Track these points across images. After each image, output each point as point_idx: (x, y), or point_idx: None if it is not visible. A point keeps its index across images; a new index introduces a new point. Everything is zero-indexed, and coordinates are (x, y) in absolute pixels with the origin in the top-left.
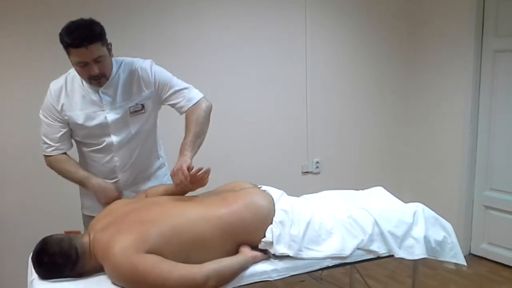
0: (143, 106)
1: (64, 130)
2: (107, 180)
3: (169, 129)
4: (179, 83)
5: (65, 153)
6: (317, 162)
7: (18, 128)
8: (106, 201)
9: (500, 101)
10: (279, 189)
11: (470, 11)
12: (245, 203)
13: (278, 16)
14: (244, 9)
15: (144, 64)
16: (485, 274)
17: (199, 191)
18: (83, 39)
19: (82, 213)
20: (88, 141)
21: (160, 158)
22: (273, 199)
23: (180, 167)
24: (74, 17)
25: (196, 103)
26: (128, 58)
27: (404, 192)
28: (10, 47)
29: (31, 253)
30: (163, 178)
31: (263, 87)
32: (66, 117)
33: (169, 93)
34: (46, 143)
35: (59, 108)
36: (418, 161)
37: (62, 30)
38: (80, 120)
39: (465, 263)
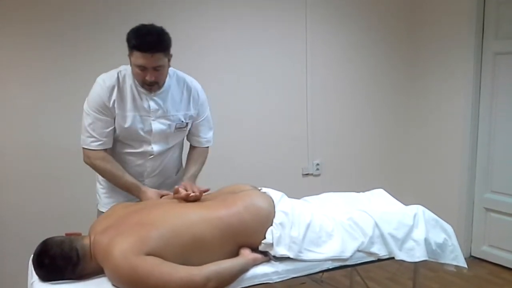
0: (187, 124)
1: (112, 127)
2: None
3: None
4: (210, 122)
5: (105, 150)
6: (318, 164)
7: (19, 129)
8: None
9: (501, 103)
10: (279, 191)
11: (471, 13)
12: (245, 205)
13: (278, 16)
14: (244, 10)
15: (197, 86)
16: (486, 276)
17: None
18: (152, 46)
19: (98, 210)
20: (127, 142)
21: (183, 166)
22: (273, 201)
23: (191, 187)
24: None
25: (208, 147)
26: (180, 71)
27: (404, 194)
28: (10, 47)
29: (32, 255)
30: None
31: (263, 89)
32: (115, 115)
33: (199, 122)
34: (92, 136)
35: (110, 104)
36: (418, 163)
37: (132, 30)
38: (127, 122)
39: (465, 266)
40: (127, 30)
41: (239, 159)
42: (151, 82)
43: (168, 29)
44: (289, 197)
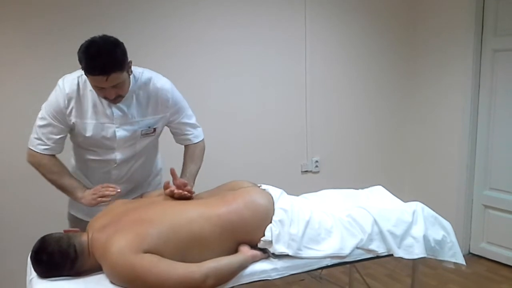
0: (154, 129)
1: (64, 134)
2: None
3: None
4: (191, 116)
5: (54, 156)
6: (317, 161)
7: (18, 127)
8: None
9: (500, 101)
10: (278, 188)
11: (470, 10)
12: (244, 201)
13: (277, 14)
14: (243, 8)
15: (165, 86)
16: (484, 274)
17: (198, 190)
18: (103, 69)
19: (68, 212)
20: (90, 149)
21: (158, 168)
22: (272, 198)
23: (184, 185)
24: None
25: (200, 141)
26: (146, 70)
27: (403, 191)
28: (9, 46)
29: (30, 252)
30: (158, 186)
31: (262, 86)
32: (71, 123)
33: (180, 121)
34: (40, 139)
35: (67, 112)
36: (417, 161)
37: (82, 50)
38: (88, 131)
39: (464, 263)
40: (127, 28)
41: (238, 156)
42: (113, 98)
43: (165, 26)
44: (288, 194)
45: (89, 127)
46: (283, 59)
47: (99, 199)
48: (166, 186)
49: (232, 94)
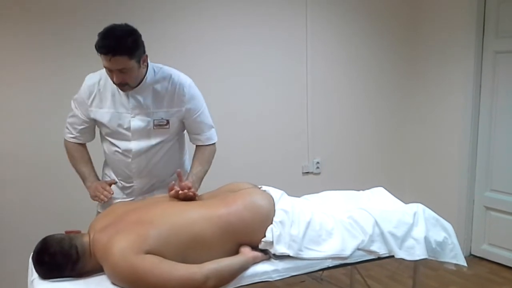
0: (168, 121)
1: (86, 125)
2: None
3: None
4: (207, 117)
5: (83, 144)
6: (318, 163)
7: (19, 128)
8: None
9: (501, 102)
10: (279, 189)
11: (471, 12)
12: (245, 203)
13: (279, 14)
14: (244, 8)
15: (184, 81)
16: (486, 275)
17: (199, 191)
18: (109, 49)
19: (97, 211)
20: (112, 141)
21: (185, 168)
22: (273, 199)
23: (189, 188)
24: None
25: (211, 144)
26: (167, 67)
27: (404, 192)
28: (10, 47)
29: (32, 253)
30: None
31: (263, 87)
32: (91, 114)
33: (194, 119)
34: (68, 129)
35: (88, 102)
36: (418, 162)
37: (102, 31)
38: (105, 119)
39: (465, 264)
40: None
41: (239, 158)
42: (119, 83)
43: (167, 27)
44: (289, 195)
45: (107, 116)
46: (284, 60)
47: (95, 198)
48: (171, 188)
49: (233, 94)
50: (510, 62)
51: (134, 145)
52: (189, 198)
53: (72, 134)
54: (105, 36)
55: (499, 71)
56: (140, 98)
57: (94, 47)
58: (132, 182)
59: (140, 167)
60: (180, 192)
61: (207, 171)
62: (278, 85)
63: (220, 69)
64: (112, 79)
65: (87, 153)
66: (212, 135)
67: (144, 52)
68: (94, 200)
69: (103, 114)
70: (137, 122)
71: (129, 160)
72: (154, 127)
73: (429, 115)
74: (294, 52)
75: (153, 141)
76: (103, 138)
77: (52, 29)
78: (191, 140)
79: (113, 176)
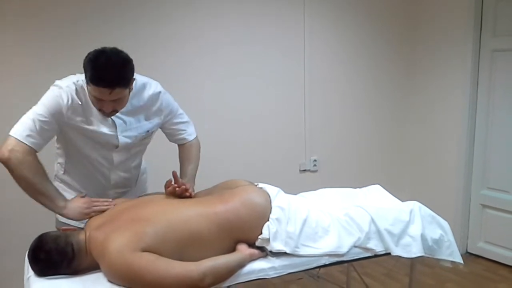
0: (152, 132)
1: (55, 134)
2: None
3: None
4: (182, 115)
5: (36, 150)
6: (315, 160)
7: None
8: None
9: (498, 101)
10: (276, 187)
11: (469, 11)
12: (241, 200)
13: (276, 14)
14: (242, 7)
15: (156, 90)
16: (482, 273)
17: (196, 189)
18: (111, 84)
19: (56, 219)
20: (88, 153)
21: (143, 167)
22: (269, 197)
23: (186, 189)
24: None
25: (194, 138)
26: (139, 78)
27: (401, 190)
28: (8, 44)
29: (28, 250)
30: (144, 184)
31: (261, 85)
32: (68, 125)
33: (172, 122)
34: (31, 131)
35: (67, 115)
36: (415, 160)
37: (90, 59)
38: (90, 137)
39: (462, 262)
40: (124, 26)
41: (236, 155)
42: (109, 112)
43: (164, 26)
44: (286, 193)
45: (91, 134)
46: (282, 58)
47: (93, 214)
48: (168, 185)
49: (231, 94)
50: (507, 60)
51: (116, 157)
52: (186, 195)
53: (36, 139)
54: (103, 67)
55: (496, 69)
56: (122, 116)
57: (83, 69)
58: (107, 192)
59: (117, 177)
60: (177, 188)
61: (197, 166)
62: (276, 83)
63: (217, 68)
64: (99, 107)
65: (39, 165)
66: (192, 130)
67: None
68: (87, 216)
69: (87, 131)
70: (123, 139)
71: (105, 169)
72: (139, 142)
73: (426, 113)
74: (292, 51)
75: (133, 151)
76: (71, 151)
77: (46, 26)
78: (173, 141)
79: (77, 188)
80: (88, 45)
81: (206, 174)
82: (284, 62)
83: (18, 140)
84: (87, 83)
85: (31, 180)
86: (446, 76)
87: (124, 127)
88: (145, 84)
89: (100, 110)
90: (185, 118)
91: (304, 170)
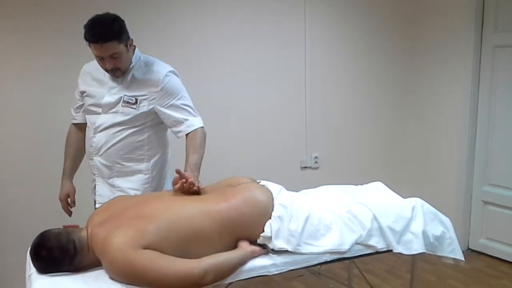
0: (136, 100)
1: (80, 103)
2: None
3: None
4: (189, 103)
5: (82, 125)
6: (316, 157)
7: (18, 124)
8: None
9: (499, 97)
10: (278, 184)
11: (470, 6)
12: (244, 197)
13: (277, 11)
14: (242, 4)
15: (161, 69)
16: (483, 269)
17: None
18: (100, 36)
19: (94, 207)
20: (86, 116)
21: (146, 164)
22: (271, 194)
23: (192, 182)
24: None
25: (197, 129)
26: (153, 58)
27: (403, 187)
28: (8, 42)
29: (29, 247)
30: (139, 182)
31: (262, 82)
32: (80, 87)
33: (174, 105)
34: (71, 113)
35: (80, 86)
36: (417, 156)
37: (86, 23)
38: (87, 92)
39: (463, 258)
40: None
41: (238, 152)
42: (111, 69)
43: (165, 24)
44: (287, 190)
45: (90, 91)
46: (283, 55)
47: (63, 208)
48: (175, 182)
49: (232, 90)
50: (508, 56)
51: (100, 119)
52: (194, 192)
53: (72, 115)
54: (92, 25)
55: (498, 65)
56: (120, 79)
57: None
58: (92, 159)
59: (99, 143)
60: (185, 184)
61: (203, 155)
62: (276, 80)
63: (218, 65)
64: (103, 66)
65: (76, 143)
66: (195, 121)
67: (129, 36)
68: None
69: (88, 90)
70: (108, 98)
71: (92, 134)
72: (123, 104)
73: (428, 109)
74: (293, 48)
75: (118, 118)
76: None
77: (50, 24)
78: (177, 134)
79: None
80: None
81: (207, 171)
82: (285, 59)
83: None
84: (87, 43)
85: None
86: (448, 72)
87: (116, 90)
88: (156, 63)
89: (105, 70)
90: (191, 108)
91: (305, 167)
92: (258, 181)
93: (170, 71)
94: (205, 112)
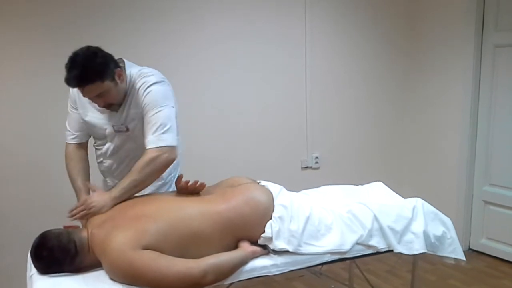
0: (127, 128)
1: (82, 121)
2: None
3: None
4: (166, 118)
5: (83, 144)
6: (317, 157)
7: (17, 124)
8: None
9: (500, 96)
10: (278, 184)
11: (471, 5)
12: (244, 198)
13: (277, 10)
14: (243, 3)
15: (147, 83)
16: (484, 269)
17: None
18: (78, 81)
19: None
20: (94, 137)
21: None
22: (272, 194)
23: (84, 204)
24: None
25: (148, 149)
26: (135, 70)
27: (403, 187)
28: (7, 43)
29: (30, 248)
30: (152, 188)
31: (262, 82)
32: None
33: (148, 118)
34: (68, 130)
35: (77, 100)
36: (417, 156)
37: (66, 62)
38: (88, 123)
39: (464, 258)
40: (125, 25)
41: (238, 152)
42: (104, 106)
43: (165, 23)
44: (288, 190)
45: (90, 120)
46: (283, 55)
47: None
48: (178, 180)
49: (232, 90)
50: (509, 56)
51: (106, 146)
52: (198, 191)
53: (72, 133)
54: (70, 68)
55: (499, 64)
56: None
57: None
58: (107, 180)
59: (111, 167)
60: (189, 184)
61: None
62: (277, 79)
63: (218, 64)
64: (96, 104)
65: (82, 160)
66: (154, 140)
67: (116, 67)
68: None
69: (87, 117)
70: (111, 129)
71: (102, 158)
72: (116, 133)
73: (428, 109)
74: (293, 47)
75: (124, 142)
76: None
77: (49, 23)
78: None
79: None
80: (90, 42)
81: (207, 171)
82: (285, 58)
83: (66, 146)
84: None
85: (68, 175)
86: (448, 72)
87: (115, 120)
88: (141, 73)
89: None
90: (166, 123)
91: (306, 167)
92: (258, 181)
93: (158, 82)
94: (205, 112)
